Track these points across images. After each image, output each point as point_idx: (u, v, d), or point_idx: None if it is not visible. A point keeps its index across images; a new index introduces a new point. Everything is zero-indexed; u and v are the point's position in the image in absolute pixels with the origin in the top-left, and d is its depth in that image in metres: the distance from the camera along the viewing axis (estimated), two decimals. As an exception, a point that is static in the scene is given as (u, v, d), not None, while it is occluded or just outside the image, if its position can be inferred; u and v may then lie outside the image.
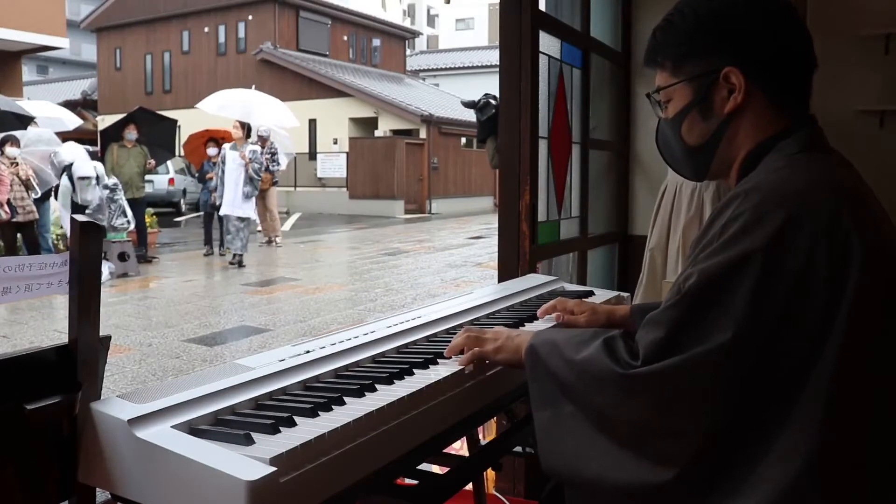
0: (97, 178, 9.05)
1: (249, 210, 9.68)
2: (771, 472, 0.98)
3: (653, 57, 1.23)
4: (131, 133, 10.15)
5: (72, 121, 13.42)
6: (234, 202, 9.47)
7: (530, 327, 1.54)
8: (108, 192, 9.07)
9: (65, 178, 8.94)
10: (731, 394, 0.99)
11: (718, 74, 1.13)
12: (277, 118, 12.27)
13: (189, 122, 16.01)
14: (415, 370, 1.22)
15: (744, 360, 0.99)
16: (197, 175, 12.25)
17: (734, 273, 1.00)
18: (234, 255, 9.68)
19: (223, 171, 9.65)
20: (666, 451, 1.02)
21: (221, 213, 9.65)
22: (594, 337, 1.12)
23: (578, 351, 1.11)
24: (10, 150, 8.48)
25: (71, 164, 9.02)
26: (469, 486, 1.85)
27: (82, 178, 8.97)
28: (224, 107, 11.83)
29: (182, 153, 12.79)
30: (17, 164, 8.49)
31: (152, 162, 10.23)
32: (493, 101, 5.53)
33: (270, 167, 11.97)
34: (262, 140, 11.76)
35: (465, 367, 1.25)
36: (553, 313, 1.57)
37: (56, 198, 9.37)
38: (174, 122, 11.61)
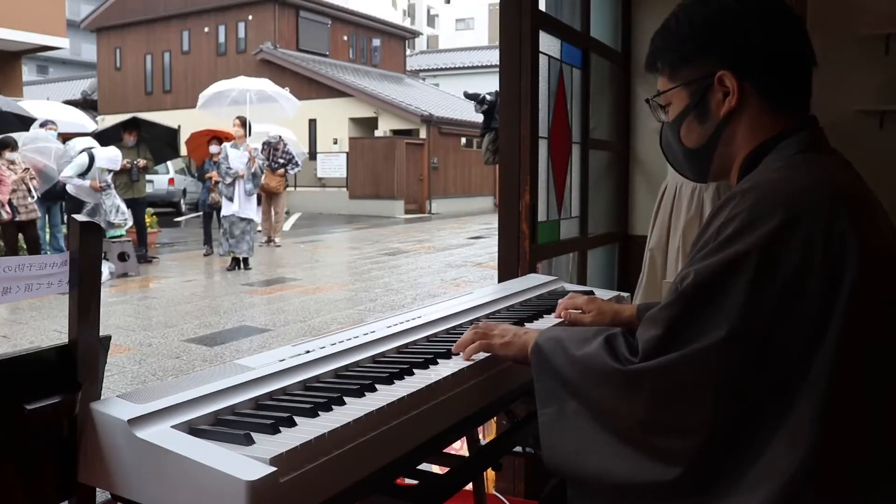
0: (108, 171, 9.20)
1: (252, 210, 9.65)
2: (770, 470, 0.98)
3: (652, 62, 1.25)
4: (130, 140, 10.21)
5: (91, 124, 13.42)
6: (237, 202, 9.43)
7: (531, 326, 1.54)
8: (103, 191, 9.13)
9: (83, 157, 8.91)
10: (728, 391, 1.00)
11: (713, 78, 1.15)
12: (275, 91, 12.42)
13: (189, 121, 16.01)
14: (415, 370, 1.22)
15: (739, 357, 1.00)
16: (197, 174, 12.30)
17: (730, 272, 1.01)
18: (238, 258, 9.61)
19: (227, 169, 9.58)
20: (666, 449, 1.03)
21: (223, 213, 9.60)
22: (596, 335, 1.14)
23: (581, 348, 1.13)
24: (9, 154, 8.50)
25: (90, 148, 9.07)
26: (469, 486, 1.85)
27: (107, 170, 9.11)
28: (219, 93, 12.05)
29: (185, 152, 12.82)
30: (15, 163, 8.50)
31: (141, 161, 10.19)
32: (488, 97, 5.54)
33: (289, 170, 12.14)
34: (272, 145, 11.86)
35: (471, 359, 1.27)
36: (563, 311, 1.60)
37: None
38: (174, 130, 11.65)
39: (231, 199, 9.44)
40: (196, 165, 12.96)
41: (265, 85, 12.57)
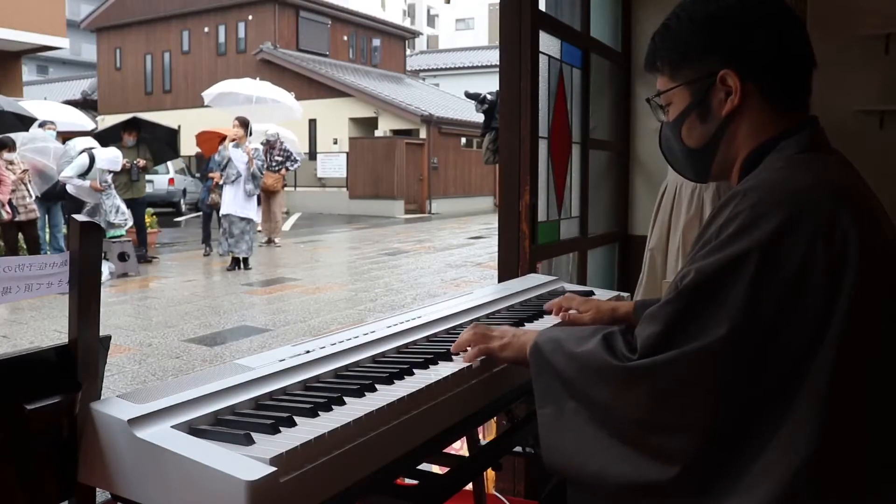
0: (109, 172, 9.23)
1: (251, 210, 9.64)
2: (769, 470, 0.98)
3: (652, 62, 1.24)
4: (130, 140, 10.22)
5: (90, 124, 13.42)
6: (237, 201, 9.43)
7: (531, 326, 1.54)
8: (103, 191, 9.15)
9: (84, 157, 8.93)
10: (727, 390, 1.00)
11: (715, 77, 1.14)
12: (281, 96, 12.43)
13: (190, 121, 16.01)
14: (415, 370, 1.22)
15: (739, 356, 0.99)
16: (200, 173, 12.32)
17: (731, 270, 1.01)
18: (238, 258, 9.60)
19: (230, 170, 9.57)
20: (666, 448, 1.02)
21: (223, 212, 9.60)
22: (595, 333, 1.14)
23: (579, 346, 1.13)
24: (7, 154, 8.50)
25: (91, 149, 9.09)
26: (469, 486, 1.85)
27: (107, 171, 9.15)
28: (226, 94, 12.07)
29: (195, 145, 12.84)
30: (13, 163, 8.50)
31: (141, 161, 10.19)
32: (489, 97, 5.53)
33: (288, 167, 12.15)
34: (271, 144, 11.86)
35: (470, 363, 1.27)
36: (559, 310, 1.59)
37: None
38: (174, 131, 11.66)
39: (232, 199, 9.44)
40: (204, 159, 12.98)
41: (271, 89, 12.62)
